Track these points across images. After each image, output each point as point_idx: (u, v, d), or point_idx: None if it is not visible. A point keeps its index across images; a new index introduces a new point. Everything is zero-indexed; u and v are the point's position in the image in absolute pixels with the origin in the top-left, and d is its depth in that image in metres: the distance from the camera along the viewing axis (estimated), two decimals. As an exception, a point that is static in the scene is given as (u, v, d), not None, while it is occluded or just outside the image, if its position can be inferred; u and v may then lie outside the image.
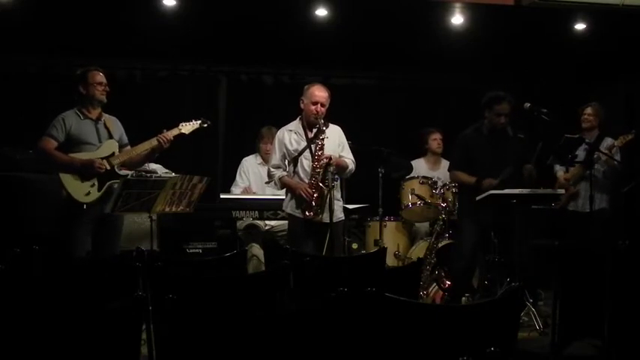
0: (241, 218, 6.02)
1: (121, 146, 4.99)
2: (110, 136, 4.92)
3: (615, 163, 5.75)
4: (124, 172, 4.91)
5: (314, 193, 4.83)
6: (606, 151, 5.70)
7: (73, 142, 4.80)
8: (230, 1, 6.22)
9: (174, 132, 5.03)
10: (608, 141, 5.83)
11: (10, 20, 6.01)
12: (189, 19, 6.27)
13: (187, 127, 5.11)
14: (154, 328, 2.42)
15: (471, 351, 1.92)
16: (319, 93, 4.93)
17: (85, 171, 4.74)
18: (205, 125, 5.21)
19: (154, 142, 4.93)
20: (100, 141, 4.88)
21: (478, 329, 2.19)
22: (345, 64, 7.54)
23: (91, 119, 4.88)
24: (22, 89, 6.80)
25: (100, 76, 4.87)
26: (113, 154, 4.88)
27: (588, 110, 6.00)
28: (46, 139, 4.76)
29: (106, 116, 4.96)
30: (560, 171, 6.09)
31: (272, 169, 5.05)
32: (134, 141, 5.09)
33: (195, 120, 5.16)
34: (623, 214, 6.96)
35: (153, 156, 5.11)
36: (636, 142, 5.87)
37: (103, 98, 4.88)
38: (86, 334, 2.08)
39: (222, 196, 6.09)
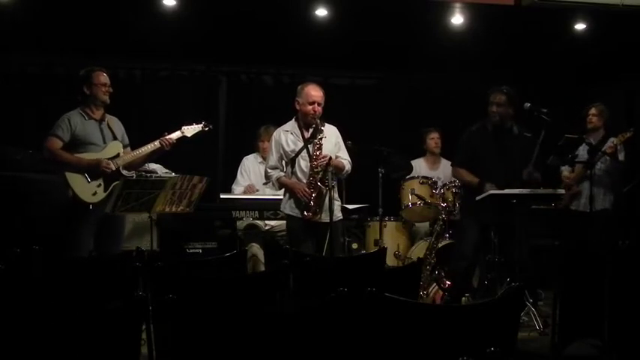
0: (241, 218, 6.02)
1: (123, 147, 5.01)
2: (114, 137, 4.96)
3: (619, 161, 5.75)
4: (127, 173, 4.93)
5: (312, 193, 4.82)
6: (611, 150, 5.69)
7: (77, 143, 4.82)
8: (230, 1, 6.22)
9: (177, 134, 5.09)
10: (613, 141, 5.83)
11: (10, 20, 6.02)
12: (189, 19, 6.27)
13: (190, 130, 5.17)
14: (154, 328, 2.42)
15: (471, 351, 1.92)
16: (315, 93, 4.91)
17: (92, 171, 4.77)
18: (207, 129, 5.28)
19: (157, 144, 4.97)
20: (104, 142, 4.91)
21: (478, 329, 2.19)
22: (345, 64, 7.54)
23: (95, 120, 4.91)
24: (22, 89, 6.80)
25: (104, 77, 4.91)
26: (118, 155, 4.92)
27: (592, 110, 5.99)
28: (51, 138, 4.78)
29: (108, 117, 5.00)
30: (565, 170, 6.09)
31: (269, 170, 5.04)
32: (133, 140, 5.11)
33: (197, 123, 5.22)
34: (624, 215, 6.96)
35: (153, 158, 5.17)
36: (635, 139, 5.88)
37: (107, 99, 4.91)
38: (86, 334, 2.08)
39: (222, 196, 6.09)
